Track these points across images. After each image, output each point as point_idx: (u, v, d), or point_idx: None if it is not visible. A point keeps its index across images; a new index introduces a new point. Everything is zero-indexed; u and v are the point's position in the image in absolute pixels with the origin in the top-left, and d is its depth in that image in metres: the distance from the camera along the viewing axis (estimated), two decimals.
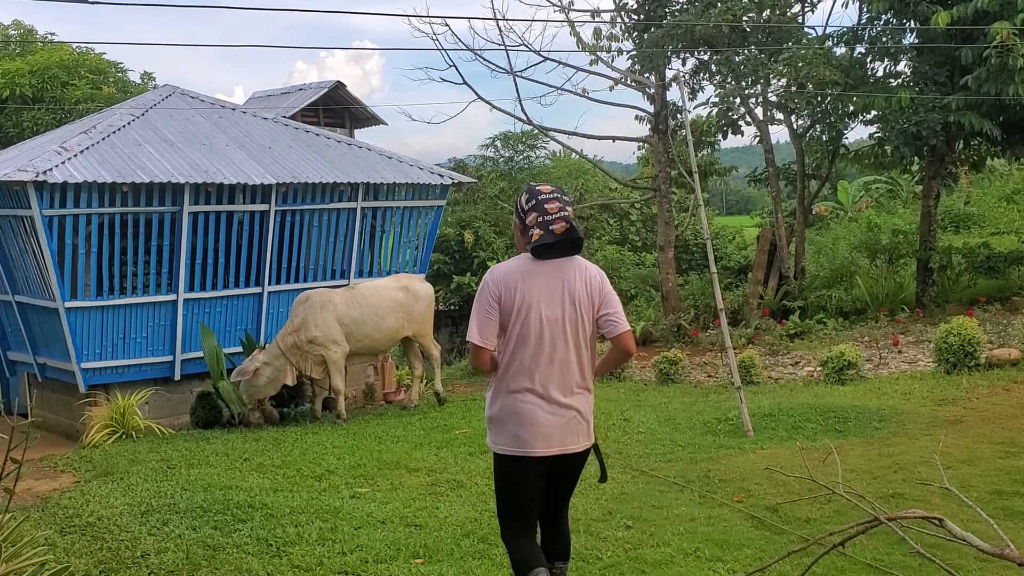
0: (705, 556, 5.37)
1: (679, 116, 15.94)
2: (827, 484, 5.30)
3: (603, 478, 4.42)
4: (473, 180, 16.94)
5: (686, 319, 15.39)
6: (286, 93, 22.85)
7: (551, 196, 4.04)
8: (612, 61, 16.17)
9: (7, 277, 11.08)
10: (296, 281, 11.91)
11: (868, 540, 5.29)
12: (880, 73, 14.90)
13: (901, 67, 14.77)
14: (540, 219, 3.99)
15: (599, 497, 6.68)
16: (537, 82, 15.68)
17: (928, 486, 6.19)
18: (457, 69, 16.68)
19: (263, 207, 11.36)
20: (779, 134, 24.87)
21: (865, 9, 14.48)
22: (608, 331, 4.09)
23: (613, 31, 15.93)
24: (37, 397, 11.60)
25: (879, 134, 14.68)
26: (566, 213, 4.01)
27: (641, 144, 18.30)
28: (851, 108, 14.45)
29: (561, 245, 4.01)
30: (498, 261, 21.04)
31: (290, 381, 10.72)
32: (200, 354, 10.87)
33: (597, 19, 16.06)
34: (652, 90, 16.08)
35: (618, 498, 6.66)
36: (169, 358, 10.98)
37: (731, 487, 6.83)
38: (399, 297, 10.90)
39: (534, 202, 4.04)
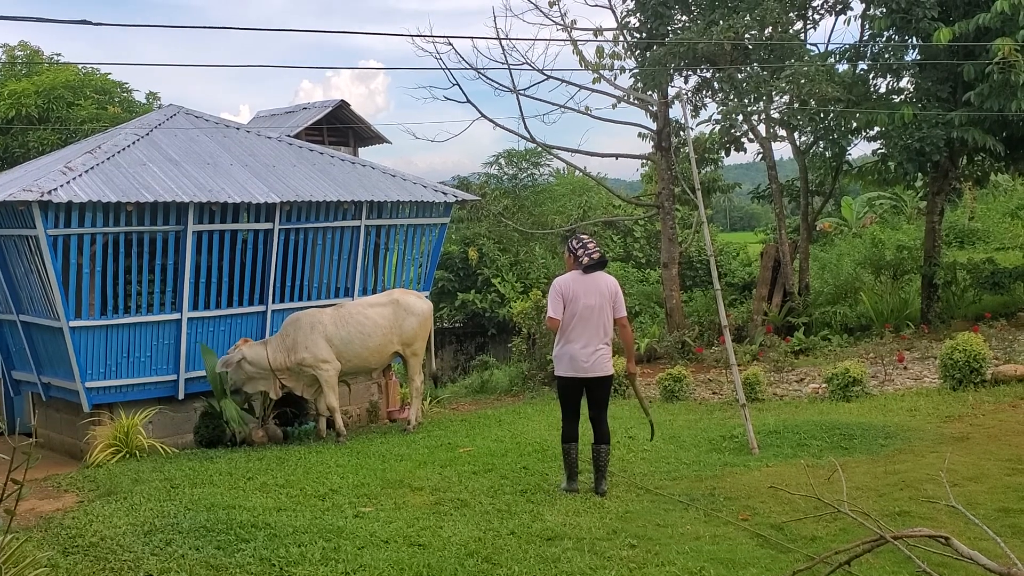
0: (710, 575, 5.34)
1: (682, 133, 15.98)
2: (833, 502, 5.28)
3: (652, 436, 8.42)
4: (477, 198, 16.97)
5: (690, 336, 15.36)
6: (290, 112, 22.93)
7: (589, 240, 7.38)
8: (615, 79, 16.24)
9: (11, 297, 11.09)
10: (300, 299, 11.90)
11: (874, 558, 5.26)
12: (883, 89, 14.94)
13: (904, 83, 14.81)
14: (585, 251, 7.26)
15: (603, 516, 6.66)
16: (540, 100, 15.81)
17: (934, 504, 6.16)
18: (461, 88, 16.89)
19: (267, 226, 11.38)
20: (782, 151, 24.85)
21: (867, 26, 14.52)
22: (615, 314, 7.26)
23: (615, 49, 16.02)
24: (41, 416, 11.59)
25: (882, 150, 14.70)
26: (597, 247, 7.35)
27: (644, 161, 18.35)
28: (854, 124, 14.46)
29: (597, 264, 7.27)
30: (502, 278, 21.41)
31: (273, 395, 10.71)
32: (204, 373, 10.87)
33: (599, 38, 16.15)
34: (655, 108, 16.13)
35: (622, 517, 6.63)
36: (173, 377, 10.97)
37: (736, 505, 6.80)
38: (386, 313, 10.88)
39: (580, 243, 7.33)
